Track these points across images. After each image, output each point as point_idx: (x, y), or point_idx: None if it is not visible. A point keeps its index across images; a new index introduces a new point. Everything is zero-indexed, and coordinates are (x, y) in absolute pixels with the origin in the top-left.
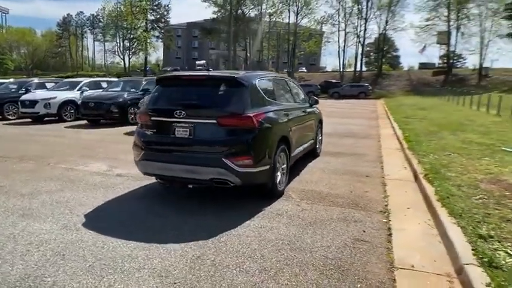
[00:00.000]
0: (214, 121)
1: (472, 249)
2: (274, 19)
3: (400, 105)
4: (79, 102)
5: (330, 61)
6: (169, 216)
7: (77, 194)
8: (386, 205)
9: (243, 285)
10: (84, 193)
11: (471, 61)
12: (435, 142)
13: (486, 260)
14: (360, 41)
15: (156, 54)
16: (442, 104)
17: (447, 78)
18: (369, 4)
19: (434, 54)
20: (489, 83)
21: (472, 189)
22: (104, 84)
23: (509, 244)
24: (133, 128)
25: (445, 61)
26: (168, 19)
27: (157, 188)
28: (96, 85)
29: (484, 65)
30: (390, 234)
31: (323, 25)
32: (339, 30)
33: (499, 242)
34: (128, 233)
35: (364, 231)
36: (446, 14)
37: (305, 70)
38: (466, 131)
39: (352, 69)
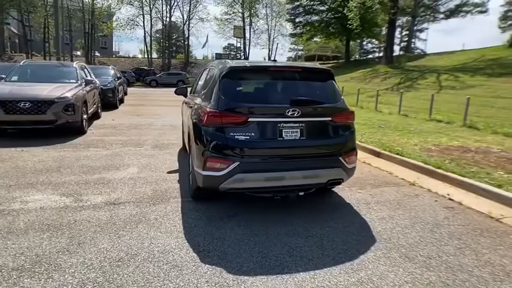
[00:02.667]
0: (328, 118)
1: None
2: None
3: None
4: None
5: (123, 46)
6: (294, 237)
7: (118, 243)
8: (403, 179)
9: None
10: (129, 240)
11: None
12: None
13: None
14: (165, 28)
15: None
16: None
17: None
18: None
19: (219, 46)
20: None
21: (430, 157)
22: None
23: None
24: None
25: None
26: None
27: (203, 207)
28: None
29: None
30: (450, 199)
31: (127, 6)
32: (143, 14)
33: None
34: (301, 265)
35: (436, 200)
36: (241, 10)
37: (98, 54)
38: None
39: (147, 56)
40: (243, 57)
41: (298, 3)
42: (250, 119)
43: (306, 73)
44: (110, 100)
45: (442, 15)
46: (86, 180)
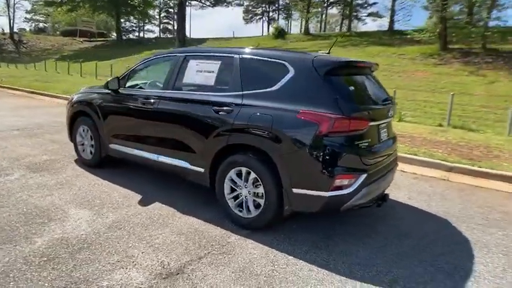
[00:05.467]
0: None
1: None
2: None
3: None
4: None
5: None
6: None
7: None
8: None
9: None
10: None
11: None
12: None
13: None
14: None
15: None
16: (35, 73)
17: None
18: None
19: None
20: (31, 50)
21: None
22: None
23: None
24: None
25: None
26: None
27: (286, 235)
28: None
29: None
30: (403, 171)
31: None
32: None
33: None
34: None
35: (401, 175)
36: None
37: None
38: None
39: None
40: None
41: None
42: (371, 124)
43: (372, 69)
44: None
45: (208, 3)
46: (43, 255)
